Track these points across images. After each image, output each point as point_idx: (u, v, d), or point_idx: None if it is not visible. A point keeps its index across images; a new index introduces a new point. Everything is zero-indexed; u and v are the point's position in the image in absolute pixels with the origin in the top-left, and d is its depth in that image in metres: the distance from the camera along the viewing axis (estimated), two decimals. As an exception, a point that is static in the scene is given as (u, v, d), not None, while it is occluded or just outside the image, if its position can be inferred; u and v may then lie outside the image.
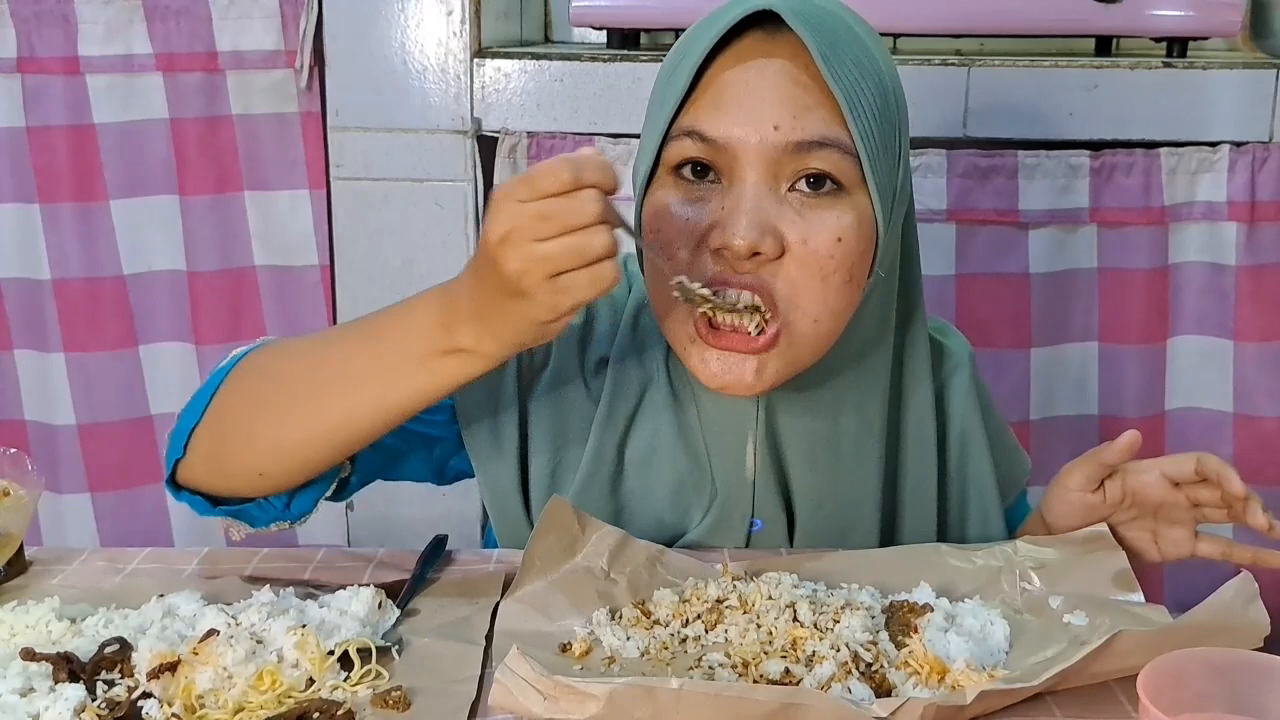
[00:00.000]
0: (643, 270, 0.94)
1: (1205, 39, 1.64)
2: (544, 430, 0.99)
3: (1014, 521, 1.08)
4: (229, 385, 0.88)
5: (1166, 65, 1.55)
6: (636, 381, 1.00)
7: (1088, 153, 1.55)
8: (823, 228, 0.85)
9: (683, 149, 0.86)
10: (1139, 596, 0.89)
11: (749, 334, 0.85)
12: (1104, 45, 1.65)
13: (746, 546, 1.01)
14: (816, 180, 0.85)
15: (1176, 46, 1.60)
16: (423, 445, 1.01)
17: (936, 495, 1.04)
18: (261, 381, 0.88)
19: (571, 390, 1.00)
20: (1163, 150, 1.55)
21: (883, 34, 1.66)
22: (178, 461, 0.91)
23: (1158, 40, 1.63)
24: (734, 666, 0.78)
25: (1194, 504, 0.92)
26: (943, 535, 1.05)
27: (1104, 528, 0.94)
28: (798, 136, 0.84)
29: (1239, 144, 1.54)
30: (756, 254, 0.84)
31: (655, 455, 0.99)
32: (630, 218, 0.83)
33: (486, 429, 0.99)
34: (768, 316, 0.86)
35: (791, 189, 0.86)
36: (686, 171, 0.87)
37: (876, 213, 0.87)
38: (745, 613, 0.83)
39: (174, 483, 0.93)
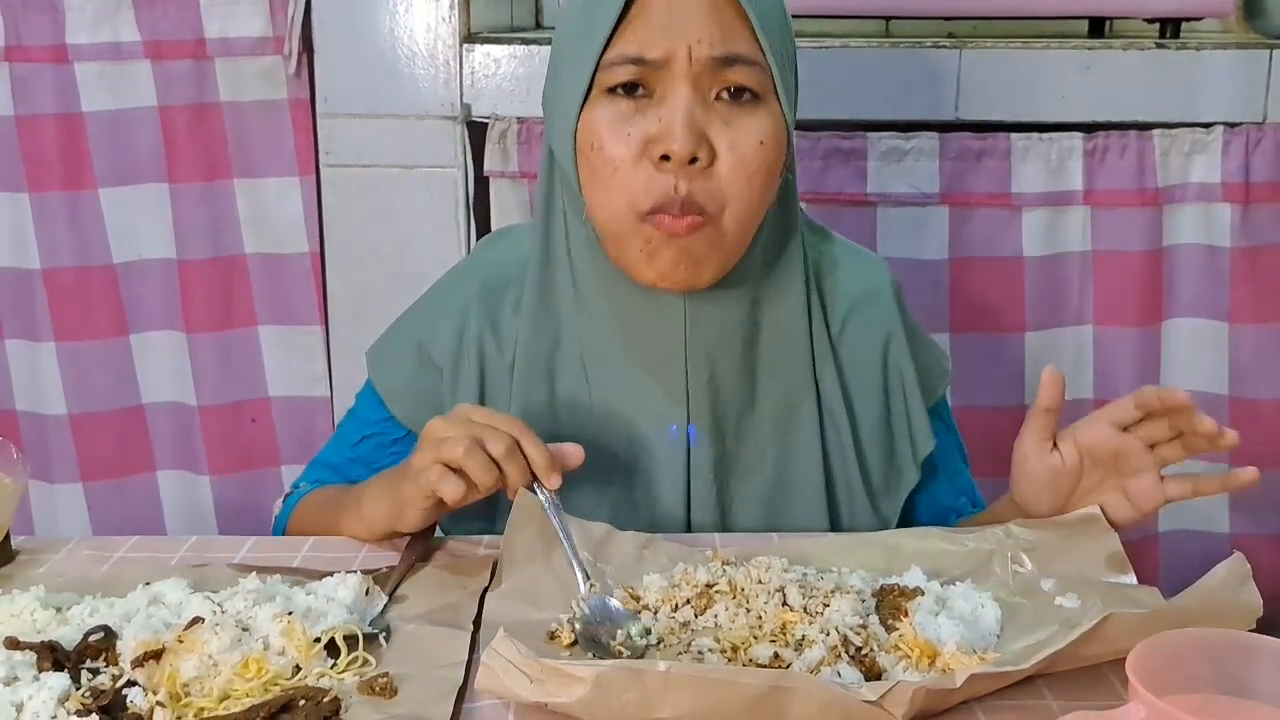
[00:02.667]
0: (580, 192, 0.97)
1: (1198, 20, 1.63)
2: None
3: (935, 430, 1.10)
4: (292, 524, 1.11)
5: (1159, 46, 1.54)
6: (549, 339, 1.05)
7: (1081, 134, 1.54)
8: (746, 133, 0.94)
9: (620, 74, 0.93)
10: (1131, 578, 0.88)
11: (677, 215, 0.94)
12: (1096, 27, 1.64)
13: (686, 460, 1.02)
14: (737, 90, 0.94)
15: (1169, 27, 1.59)
16: None
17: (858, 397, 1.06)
18: (304, 524, 1.08)
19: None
20: (1156, 131, 1.54)
21: (875, 16, 1.68)
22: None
23: (1150, 21, 1.62)
24: (723, 651, 0.77)
25: (1150, 446, 0.91)
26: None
27: (1095, 510, 0.93)
28: (720, 51, 0.92)
29: (1233, 125, 1.53)
30: (695, 159, 0.92)
31: (588, 376, 1.03)
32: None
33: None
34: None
35: (716, 98, 0.94)
36: (620, 90, 0.94)
37: (786, 117, 0.97)
38: (734, 597, 0.83)
39: None
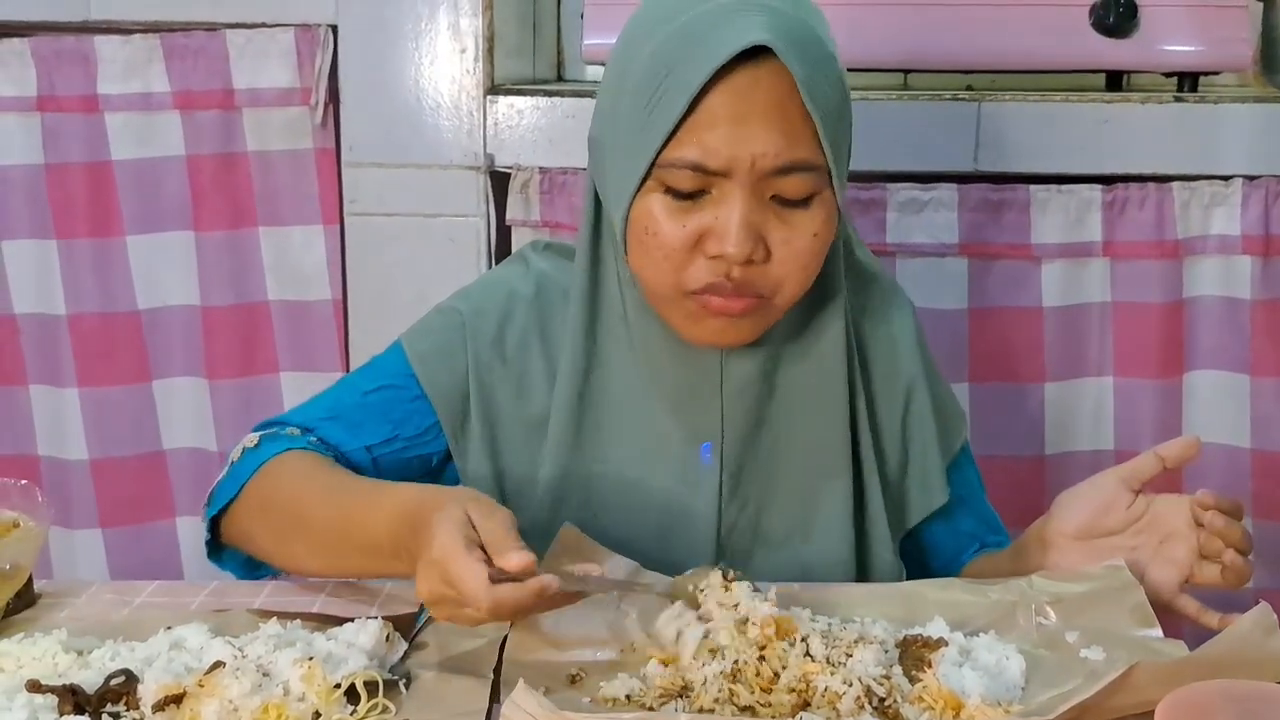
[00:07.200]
0: (631, 263, 0.99)
1: (1216, 73, 1.64)
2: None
3: (954, 485, 1.10)
4: (247, 501, 0.99)
5: (1178, 99, 1.55)
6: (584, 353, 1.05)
7: (1100, 187, 1.55)
8: (801, 230, 0.95)
9: (681, 179, 0.93)
10: (1157, 631, 0.88)
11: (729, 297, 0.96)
12: (1115, 80, 1.65)
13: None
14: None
15: (1187, 81, 1.60)
16: (421, 465, 1.07)
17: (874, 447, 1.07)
18: (266, 514, 0.98)
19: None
20: (1175, 184, 1.54)
21: (894, 69, 1.69)
22: (212, 541, 1.04)
23: (1168, 75, 1.63)
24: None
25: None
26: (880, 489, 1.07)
27: (1120, 561, 0.93)
28: (782, 161, 0.92)
29: (1252, 178, 1.53)
30: (749, 260, 0.93)
31: (623, 411, 1.04)
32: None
33: (461, 425, 1.06)
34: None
35: (772, 197, 0.94)
36: (679, 188, 0.94)
37: (838, 201, 0.98)
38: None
39: (215, 554, 1.04)
